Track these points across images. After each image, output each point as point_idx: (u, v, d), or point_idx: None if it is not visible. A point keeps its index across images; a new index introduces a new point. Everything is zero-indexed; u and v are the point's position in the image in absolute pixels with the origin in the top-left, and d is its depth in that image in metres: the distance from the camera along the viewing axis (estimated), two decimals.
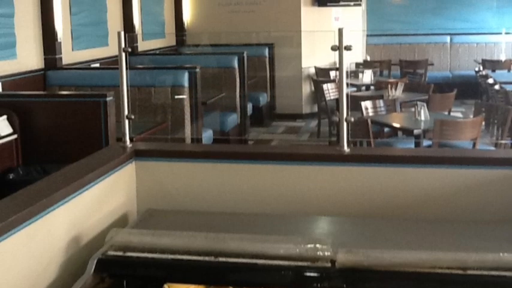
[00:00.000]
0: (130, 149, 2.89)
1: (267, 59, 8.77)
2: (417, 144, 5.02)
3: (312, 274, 2.05)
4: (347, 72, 2.82)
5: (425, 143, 5.04)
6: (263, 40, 9.03)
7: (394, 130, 5.75)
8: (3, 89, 5.05)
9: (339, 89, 2.83)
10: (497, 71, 8.98)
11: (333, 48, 2.72)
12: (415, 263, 2.04)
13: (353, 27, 9.12)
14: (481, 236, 2.44)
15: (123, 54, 2.95)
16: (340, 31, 2.70)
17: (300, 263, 2.06)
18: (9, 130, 4.06)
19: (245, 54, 7.19)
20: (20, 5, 5.40)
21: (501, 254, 2.09)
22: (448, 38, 11.19)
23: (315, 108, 8.70)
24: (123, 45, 2.95)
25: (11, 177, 3.90)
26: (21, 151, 4.07)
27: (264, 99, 8.61)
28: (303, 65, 9.06)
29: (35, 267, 2.09)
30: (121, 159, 2.76)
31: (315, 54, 8.93)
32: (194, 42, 9.23)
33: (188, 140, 5.47)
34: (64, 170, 2.55)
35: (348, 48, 2.70)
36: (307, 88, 9.18)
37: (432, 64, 10.27)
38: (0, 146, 3.97)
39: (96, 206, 2.52)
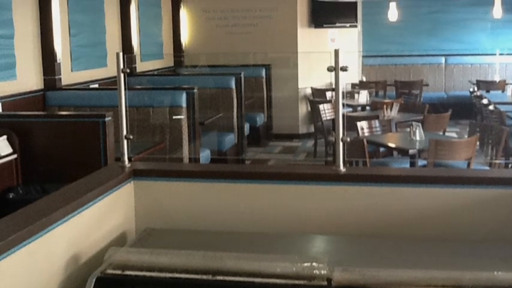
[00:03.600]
0: (128, 168, 2.92)
1: (264, 80, 8.84)
2: (412, 164, 5.05)
3: None
4: (343, 92, 2.86)
5: (421, 162, 5.07)
6: (260, 61, 9.11)
7: (390, 150, 5.79)
8: (3, 109, 5.09)
9: (335, 109, 2.87)
10: (492, 92, 9.06)
11: (329, 69, 2.76)
12: (411, 281, 2.06)
13: (349, 48, 9.22)
14: (475, 255, 2.47)
15: (122, 75, 3.00)
16: (336, 52, 2.75)
17: (296, 282, 2.08)
18: (9, 150, 4.09)
19: (242, 75, 7.26)
20: (20, 26, 5.46)
21: (495, 273, 2.12)
22: (443, 59, 11.31)
23: (312, 129, 8.75)
24: (121, 65, 3.00)
25: (10, 196, 3.92)
26: (21, 171, 4.10)
27: (261, 119, 8.67)
28: (300, 85, 9.14)
29: (35, 286, 2.11)
30: (119, 178, 2.79)
31: (311, 75, 9.01)
32: (192, 63, 9.32)
33: (186, 160, 5.50)
34: (63, 190, 2.58)
35: (344, 69, 2.75)
36: (303, 108, 9.25)
37: (427, 85, 10.35)
38: (0, 165, 4.00)
39: (95, 225, 2.54)
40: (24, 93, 5.50)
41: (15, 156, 4.11)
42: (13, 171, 4.08)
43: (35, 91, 5.68)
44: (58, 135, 4.20)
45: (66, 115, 4.90)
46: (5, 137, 4.07)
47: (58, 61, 5.85)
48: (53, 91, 5.78)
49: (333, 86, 2.89)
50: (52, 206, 2.32)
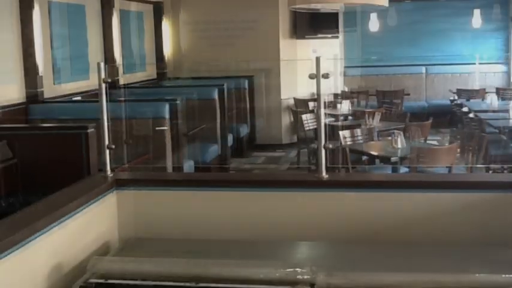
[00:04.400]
0: (111, 178, 2.92)
1: (247, 91, 8.88)
2: (394, 171, 5.10)
3: None
4: (325, 102, 2.90)
5: (403, 169, 5.13)
6: (243, 72, 9.15)
7: (372, 158, 5.84)
8: None
9: (317, 114, 2.91)
10: (472, 100, 9.17)
11: (311, 77, 2.79)
12: (393, 284, 2.08)
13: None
14: (458, 258, 2.50)
15: (103, 85, 3.00)
16: (318, 59, 2.79)
17: (280, 287, 2.09)
18: None
19: (225, 86, 7.29)
20: (1, 39, 5.44)
21: (477, 275, 2.15)
22: (423, 69, 11.45)
23: (295, 139, 8.79)
24: (103, 75, 3.01)
25: None
26: (4, 182, 4.07)
27: (244, 130, 8.69)
28: (282, 96, 9.20)
29: None
30: (102, 188, 2.79)
31: (294, 85, 9.07)
32: (175, 75, 9.33)
33: (170, 171, 5.49)
34: (46, 200, 2.57)
35: (325, 76, 2.78)
36: (286, 119, 9.30)
37: (408, 94, 10.46)
38: None
39: (78, 234, 2.53)
40: (7, 106, 5.47)
41: None
42: None
43: (18, 104, 5.66)
44: (41, 148, 4.19)
45: (48, 127, 4.89)
46: None
47: (40, 74, 5.84)
48: (36, 104, 5.76)
49: (315, 96, 2.92)
50: (34, 215, 2.32)
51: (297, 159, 8.12)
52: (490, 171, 6.15)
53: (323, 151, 2.84)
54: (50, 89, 6.12)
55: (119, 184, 2.89)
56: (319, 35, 9.35)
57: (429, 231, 2.74)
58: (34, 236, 2.21)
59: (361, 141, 6.01)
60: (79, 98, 6.61)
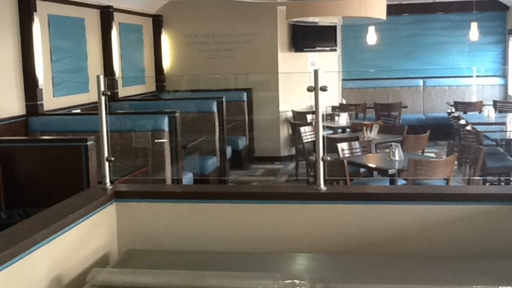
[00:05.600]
0: (110, 190, 2.94)
1: (246, 104, 8.91)
2: (392, 183, 5.12)
3: None
4: (323, 115, 2.92)
5: (400, 182, 5.15)
6: (241, 85, 9.20)
7: (370, 170, 5.86)
8: None
9: (315, 127, 2.93)
10: (469, 113, 9.21)
11: (309, 89, 2.82)
12: None
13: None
14: (455, 270, 2.52)
15: (103, 98, 3.03)
16: (316, 72, 2.82)
17: None
18: None
19: (224, 99, 7.32)
20: (1, 52, 5.48)
21: (474, 287, 2.17)
22: (421, 82, 11.51)
23: (293, 151, 8.82)
24: (102, 88, 3.04)
25: None
26: (4, 195, 4.09)
27: (242, 142, 8.72)
28: (281, 109, 9.24)
29: None
30: (101, 200, 2.81)
31: (292, 98, 9.12)
32: (174, 88, 9.37)
33: (169, 183, 5.50)
34: (45, 212, 2.59)
35: (324, 89, 2.81)
36: (284, 131, 9.33)
37: (406, 107, 10.51)
38: None
39: (77, 246, 2.55)
40: (6, 119, 5.50)
41: None
42: None
43: (17, 117, 5.68)
44: (41, 160, 4.21)
45: (48, 140, 4.91)
46: None
47: (40, 87, 5.86)
48: (35, 117, 5.78)
49: (313, 109, 2.94)
50: (34, 227, 2.33)
51: (296, 172, 8.14)
52: (487, 184, 6.18)
53: (321, 163, 2.86)
54: (49, 101, 6.14)
55: (118, 196, 2.91)
56: (317, 48, 9.41)
57: (427, 243, 2.75)
58: (34, 247, 2.22)
59: (359, 154, 6.04)
60: (78, 110, 6.63)
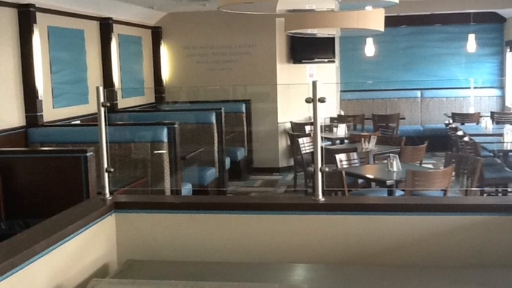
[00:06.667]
0: (110, 201, 2.96)
1: (244, 115, 8.95)
2: (390, 194, 5.14)
3: None
4: (322, 126, 2.94)
5: (398, 193, 5.16)
6: (240, 96, 9.24)
7: (368, 181, 5.88)
8: None
9: (314, 138, 2.94)
10: (466, 124, 9.24)
11: (307, 101, 2.84)
12: None
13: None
14: (453, 281, 2.53)
15: (102, 109, 3.05)
16: (314, 84, 2.85)
17: None
18: None
19: (223, 110, 7.36)
20: (1, 63, 5.51)
21: None
22: (418, 93, 11.56)
23: (291, 162, 8.84)
24: (102, 99, 3.06)
25: None
26: (4, 206, 4.10)
27: (241, 153, 8.74)
28: (279, 120, 9.27)
29: None
30: (101, 211, 2.82)
31: (290, 109, 9.16)
32: (173, 99, 9.41)
33: (168, 194, 5.51)
34: (45, 222, 2.60)
35: (322, 100, 2.82)
36: (283, 142, 9.36)
37: (404, 118, 10.54)
38: None
39: (77, 257, 2.56)
40: (6, 130, 5.52)
41: None
42: None
43: (17, 128, 5.71)
44: (41, 171, 4.23)
45: (48, 151, 4.93)
46: None
47: (40, 98, 5.89)
48: (35, 128, 5.80)
49: (312, 120, 2.96)
50: (34, 238, 2.34)
51: (294, 182, 8.16)
52: (485, 194, 6.20)
53: (319, 174, 2.88)
54: (49, 112, 6.17)
55: (118, 207, 2.93)
56: (316, 60, 9.46)
57: (425, 253, 2.77)
58: (34, 258, 2.24)
59: (357, 165, 6.06)
60: (78, 121, 6.65)
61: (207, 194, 6.79)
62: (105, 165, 3.07)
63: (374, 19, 5.44)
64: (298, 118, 9.14)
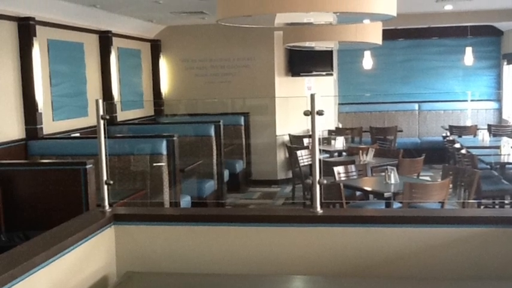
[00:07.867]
0: (109, 213, 2.97)
1: (243, 128, 8.98)
2: (388, 206, 5.15)
3: None
4: (320, 138, 2.95)
5: (396, 205, 5.18)
6: (239, 109, 9.28)
7: (366, 193, 5.89)
8: None
9: (312, 150, 2.96)
10: (464, 137, 9.27)
11: (306, 113, 2.86)
12: None
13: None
14: None
15: (102, 121, 3.08)
16: (312, 97, 2.87)
17: None
18: None
19: (221, 123, 7.39)
20: (1, 76, 5.54)
21: None
22: (416, 106, 11.60)
23: (290, 174, 8.86)
24: (101, 112, 3.08)
25: None
26: (4, 218, 4.11)
27: (240, 166, 8.76)
28: (278, 132, 9.30)
29: None
30: (100, 223, 2.84)
31: (288, 122, 9.19)
32: (172, 112, 9.44)
33: (167, 206, 5.52)
34: (44, 235, 2.61)
35: (320, 113, 2.85)
36: (281, 155, 9.38)
37: (401, 131, 10.58)
38: None
39: (76, 268, 2.57)
40: (6, 143, 5.54)
41: None
42: None
43: (17, 140, 5.73)
44: (40, 183, 4.25)
45: (47, 163, 4.95)
46: None
47: (39, 111, 5.92)
48: (35, 140, 5.82)
49: (310, 133, 2.98)
50: (34, 250, 2.36)
51: (292, 195, 8.17)
52: (482, 207, 6.21)
53: (318, 186, 2.90)
54: (49, 125, 6.19)
55: (117, 219, 2.94)
56: (314, 73, 9.51)
57: (422, 265, 2.78)
58: (33, 270, 2.25)
59: (355, 177, 6.08)
60: (78, 134, 6.67)
61: (206, 206, 6.81)
62: (105, 178, 3.08)
63: (372, 32, 5.49)
64: (297, 131, 9.18)
